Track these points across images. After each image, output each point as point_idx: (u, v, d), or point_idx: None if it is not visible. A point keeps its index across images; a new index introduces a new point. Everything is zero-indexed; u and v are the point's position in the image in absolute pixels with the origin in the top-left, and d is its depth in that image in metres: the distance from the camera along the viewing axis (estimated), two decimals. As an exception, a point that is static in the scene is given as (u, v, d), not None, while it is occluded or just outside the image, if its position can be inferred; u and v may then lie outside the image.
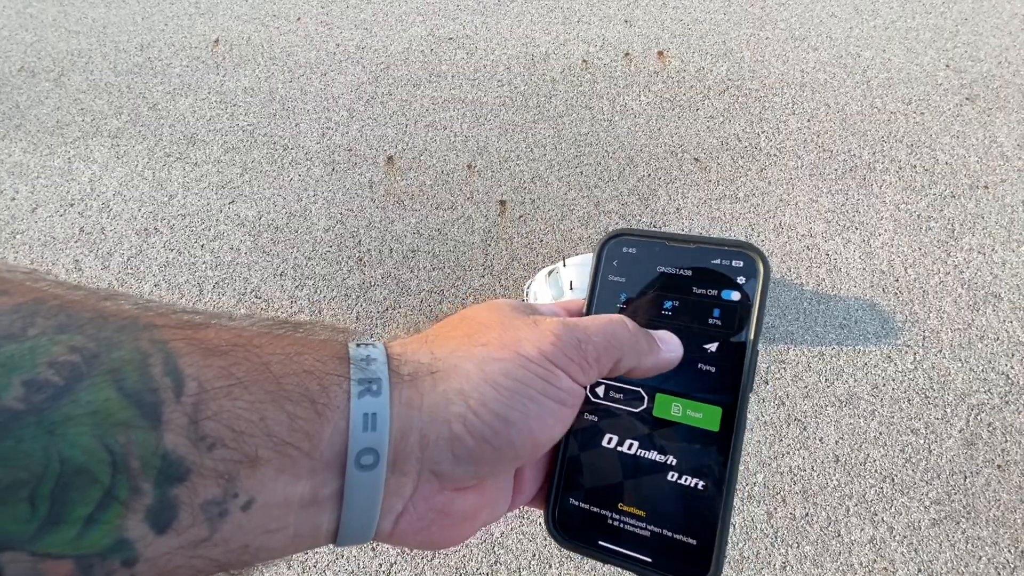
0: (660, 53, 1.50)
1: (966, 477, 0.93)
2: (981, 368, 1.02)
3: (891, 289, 1.11)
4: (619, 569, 0.22)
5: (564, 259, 0.98)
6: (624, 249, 0.25)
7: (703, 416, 0.22)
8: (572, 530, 0.23)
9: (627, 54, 1.50)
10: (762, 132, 1.34)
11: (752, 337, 0.22)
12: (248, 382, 0.17)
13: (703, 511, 0.21)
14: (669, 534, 0.22)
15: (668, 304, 0.24)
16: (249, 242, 1.19)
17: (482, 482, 0.21)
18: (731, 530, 0.90)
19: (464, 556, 0.88)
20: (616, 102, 1.40)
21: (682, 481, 0.22)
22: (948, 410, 0.98)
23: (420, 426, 0.19)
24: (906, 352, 1.04)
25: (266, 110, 1.39)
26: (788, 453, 0.95)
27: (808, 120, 1.35)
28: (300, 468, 0.18)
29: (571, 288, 0.92)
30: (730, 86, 1.42)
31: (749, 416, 0.98)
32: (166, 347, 0.17)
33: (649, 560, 0.22)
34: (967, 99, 1.39)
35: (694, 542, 0.21)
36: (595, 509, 0.23)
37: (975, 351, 1.04)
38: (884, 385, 1.01)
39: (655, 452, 0.22)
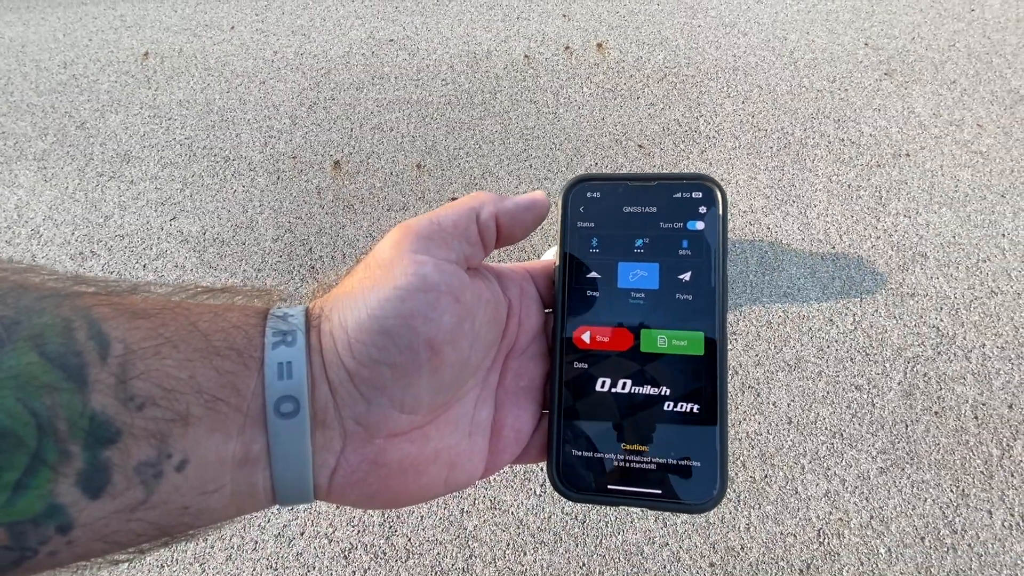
0: (599, 45, 1.53)
1: (907, 426, 0.99)
2: (914, 323, 1.09)
3: (828, 256, 1.17)
4: (629, 508, 0.23)
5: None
6: (588, 194, 0.25)
7: (687, 343, 0.23)
8: (580, 482, 0.22)
9: (567, 48, 1.53)
10: (700, 116, 1.38)
11: (721, 261, 0.23)
12: (177, 340, 0.17)
13: (702, 432, 0.22)
14: (674, 462, 0.22)
15: (640, 242, 0.24)
16: (194, 258, 1.15)
17: (421, 428, 0.21)
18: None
19: (439, 553, 0.88)
20: (560, 95, 1.42)
21: (678, 408, 0.22)
22: (887, 365, 1.04)
23: (324, 372, 0.19)
24: (846, 314, 1.10)
25: (203, 122, 1.35)
26: (744, 419, 0.99)
27: (743, 102, 1.41)
28: (231, 425, 0.18)
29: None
30: (668, 73, 1.47)
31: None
32: (89, 312, 0.17)
33: (659, 492, 0.22)
34: (886, 74, 1.48)
35: (699, 463, 0.22)
36: (599, 455, 0.22)
37: (907, 308, 1.10)
38: (828, 347, 1.06)
39: (648, 386, 0.23)
